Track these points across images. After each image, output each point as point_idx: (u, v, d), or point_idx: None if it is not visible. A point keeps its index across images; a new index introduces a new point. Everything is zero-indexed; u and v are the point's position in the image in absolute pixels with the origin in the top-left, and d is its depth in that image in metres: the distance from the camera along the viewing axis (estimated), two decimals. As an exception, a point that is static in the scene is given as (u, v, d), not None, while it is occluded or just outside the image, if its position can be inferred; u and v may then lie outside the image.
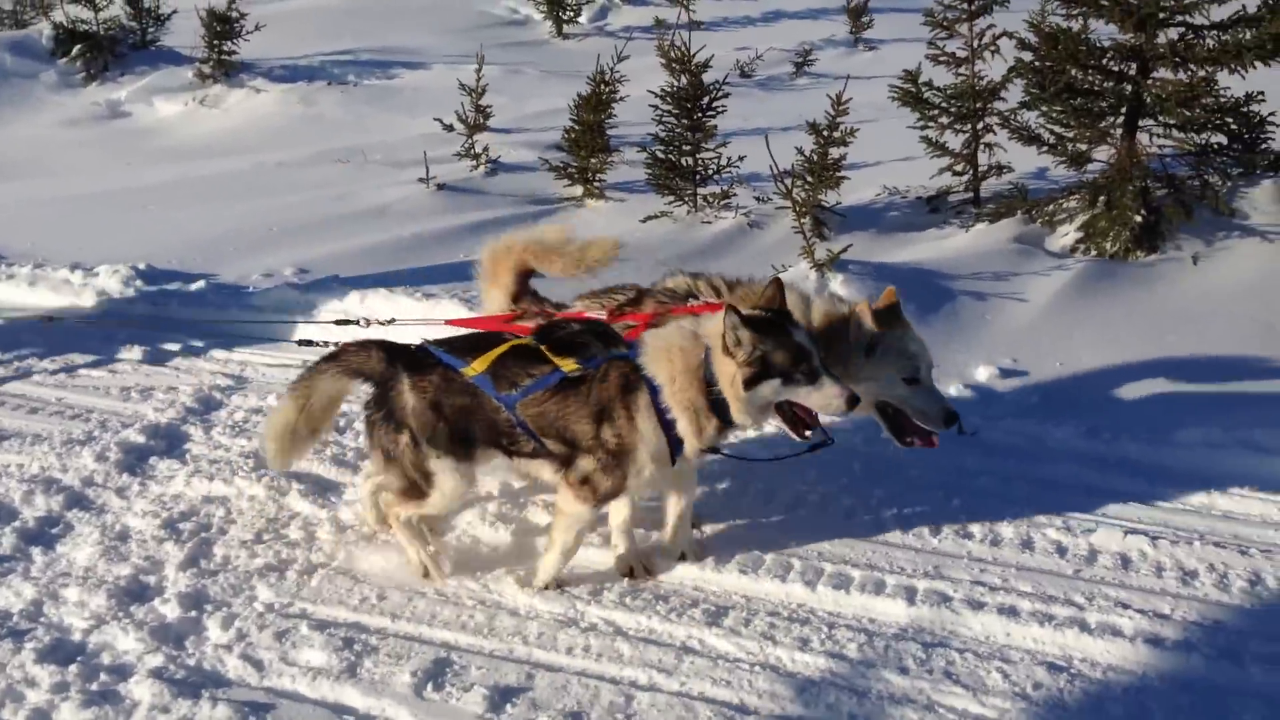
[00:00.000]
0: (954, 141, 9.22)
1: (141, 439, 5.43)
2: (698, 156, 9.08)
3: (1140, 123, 8.55)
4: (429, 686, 3.69)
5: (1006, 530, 4.58)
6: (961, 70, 9.20)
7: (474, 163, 10.45)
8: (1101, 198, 8.25)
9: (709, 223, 8.81)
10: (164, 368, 6.45)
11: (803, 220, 7.52)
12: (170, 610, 4.09)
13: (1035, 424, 5.57)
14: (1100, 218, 8.13)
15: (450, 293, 7.20)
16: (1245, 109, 8.31)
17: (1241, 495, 4.81)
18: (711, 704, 3.59)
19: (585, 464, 3.92)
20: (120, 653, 3.87)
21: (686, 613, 4.06)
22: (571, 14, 17.32)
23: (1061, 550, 4.43)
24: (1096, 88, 8.60)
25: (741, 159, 8.96)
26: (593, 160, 9.62)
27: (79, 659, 3.82)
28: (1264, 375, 6.08)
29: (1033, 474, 5.13)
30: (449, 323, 5.11)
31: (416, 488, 4.07)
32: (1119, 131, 8.60)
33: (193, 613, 4.08)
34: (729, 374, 3.74)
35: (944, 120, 9.20)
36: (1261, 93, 8.31)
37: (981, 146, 9.21)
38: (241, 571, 4.36)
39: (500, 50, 14.71)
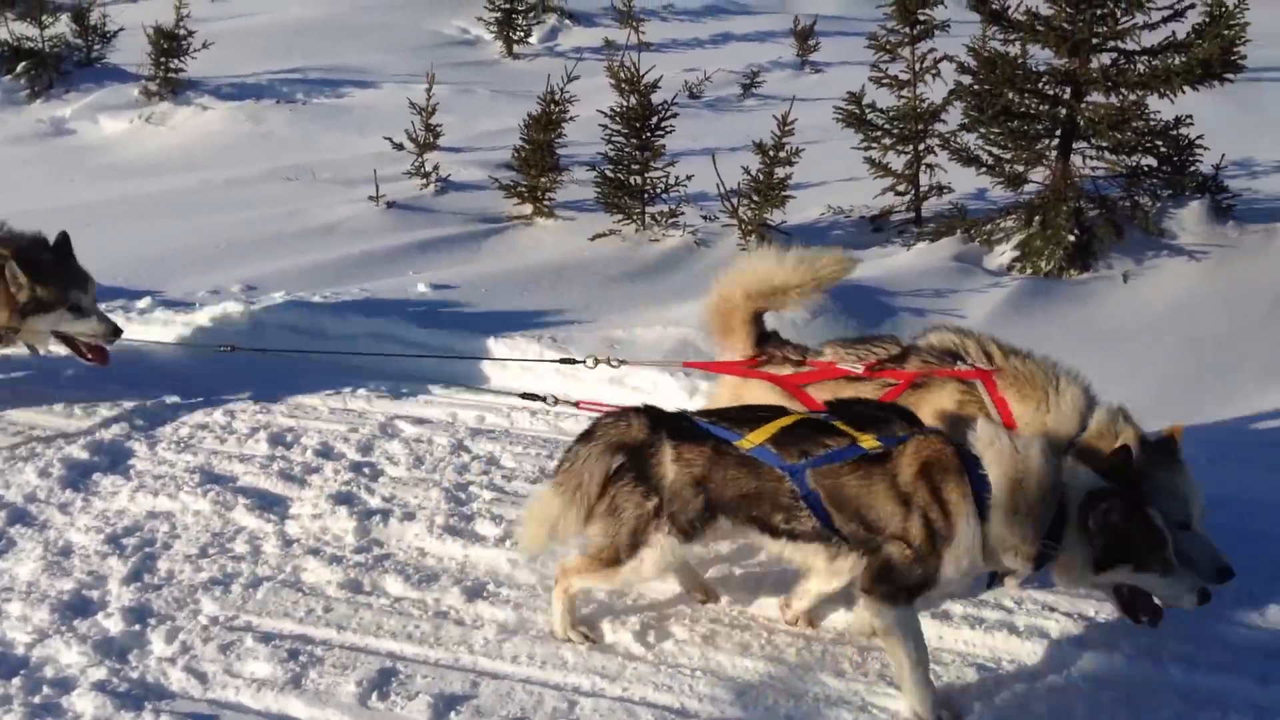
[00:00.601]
0: (896, 162, 9.45)
1: (85, 455, 5.42)
2: (646, 176, 9.21)
3: (1074, 145, 8.82)
4: (374, 696, 3.74)
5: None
6: (904, 93, 9.44)
7: (424, 181, 10.50)
8: (1037, 218, 8.50)
9: (657, 241, 8.93)
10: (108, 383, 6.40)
11: (748, 238, 7.66)
12: (114, 624, 4.10)
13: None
14: (1036, 237, 8.37)
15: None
16: (1174, 132, 8.60)
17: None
18: (653, 708, 3.67)
19: (891, 550, 3.54)
20: (63, 666, 3.88)
21: (629, 620, 4.13)
22: (522, 34, 17.42)
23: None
24: (1033, 111, 8.86)
25: (689, 178, 9.10)
26: (542, 179, 9.71)
27: (22, 672, 3.82)
28: (1190, 391, 6.29)
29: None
30: (686, 365, 5.18)
31: (615, 557, 3.78)
32: (1054, 154, 8.86)
33: (136, 626, 4.09)
34: (1078, 546, 3.50)
35: (887, 141, 9.43)
36: (1190, 116, 8.61)
37: (923, 167, 9.44)
38: (186, 585, 4.38)
39: (451, 70, 14.76)
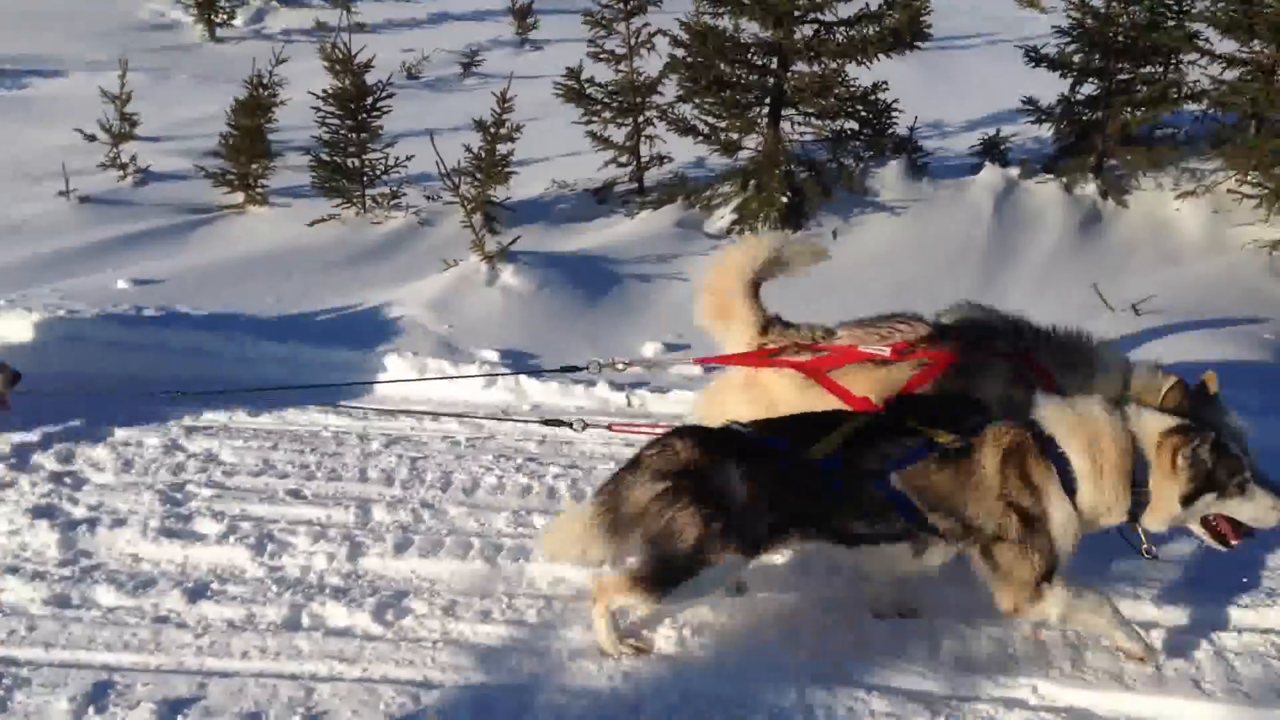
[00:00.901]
0: (617, 135, 9.58)
1: None
2: (364, 158, 8.97)
3: (783, 112, 9.22)
4: (90, 711, 3.47)
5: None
6: (621, 67, 9.57)
7: (121, 173, 9.81)
8: (752, 182, 8.84)
9: (379, 223, 8.71)
10: None
11: (472, 216, 7.58)
12: None
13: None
14: (751, 200, 8.71)
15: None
16: (872, 97, 9.14)
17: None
18: (395, 684, 3.58)
19: (1003, 558, 3.53)
20: None
21: (365, 602, 4.01)
22: (225, 16, 16.53)
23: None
24: (743, 81, 9.19)
25: (410, 159, 8.90)
26: (253, 166, 9.27)
27: None
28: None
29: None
30: (697, 361, 4.76)
31: (671, 578, 3.53)
32: (765, 121, 9.23)
33: None
34: (1165, 485, 3.54)
35: (606, 115, 9.55)
36: (885, 82, 9.16)
37: (643, 139, 9.61)
38: None
39: (146, 55, 13.87)
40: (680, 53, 9.06)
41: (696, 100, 9.23)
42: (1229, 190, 9.50)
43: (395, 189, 8.90)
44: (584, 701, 3.53)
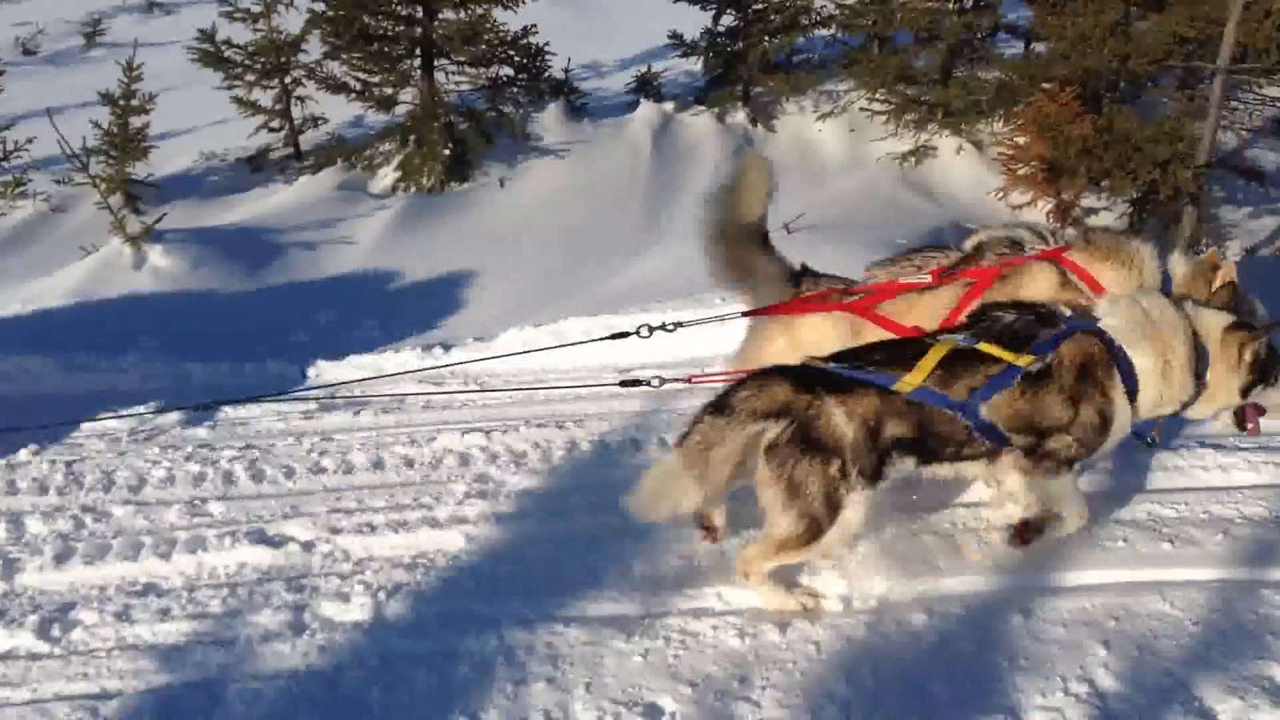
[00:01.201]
0: (265, 99, 9.17)
1: None
2: (-25, 145, 8.13)
3: (436, 63, 9.11)
4: None
5: (358, 458, 4.72)
6: (259, 25, 9.13)
7: None
8: (412, 137, 8.71)
9: (3, 214, 7.95)
10: None
11: (109, 197, 7.06)
12: None
13: (378, 358, 5.77)
14: (413, 156, 8.59)
15: None
16: (524, 41, 9.20)
17: (556, 376, 5.40)
18: (69, 700, 3.34)
19: (1054, 444, 3.61)
20: None
21: (26, 620, 3.71)
22: None
23: (410, 463, 4.67)
24: (390, 33, 9.00)
25: (30, 141, 8.15)
26: None
27: None
28: (569, 271, 6.85)
29: (378, 402, 5.32)
30: (746, 314, 4.28)
31: (814, 528, 3.43)
32: (419, 73, 9.09)
33: None
34: (1227, 378, 3.65)
35: (250, 78, 9.11)
36: (535, 26, 9.24)
37: (294, 100, 9.25)
38: None
39: None
40: (320, 7, 8.75)
41: (344, 56, 8.98)
42: (861, 109, 10.28)
43: (19, 176, 8.13)
44: (279, 683, 3.41)
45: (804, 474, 3.40)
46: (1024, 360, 3.54)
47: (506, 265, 6.83)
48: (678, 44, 10.07)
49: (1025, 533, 3.80)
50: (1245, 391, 3.73)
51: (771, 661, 3.38)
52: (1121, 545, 3.83)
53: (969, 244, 4.37)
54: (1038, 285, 4.19)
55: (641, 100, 9.93)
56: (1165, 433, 4.25)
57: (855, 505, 3.45)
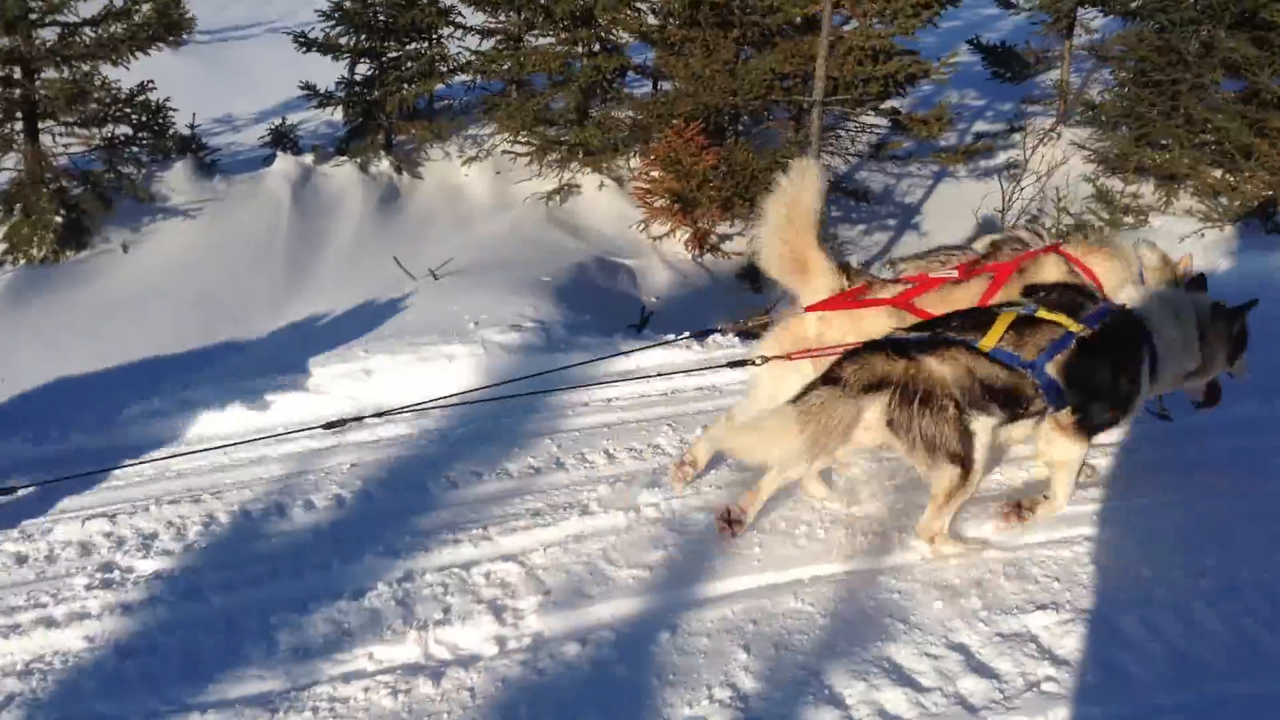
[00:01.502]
0: None
1: None
2: None
3: (41, 125, 8.45)
4: None
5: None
6: None
7: None
8: (18, 205, 8.01)
9: None
10: None
11: None
12: None
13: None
14: (21, 225, 7.91)
15: None
16: (140, 98, 8.68)
17: (189, 451, 5.10)
18: None
19: (1095, 409, 4.01)
20: None
21: None
22: None
23: (23, 560, 4.28)
24: (-14, 96, 8.26)
25: None
26: None
27: None
28: (206, 336, 6.51)
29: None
30: (810, 309, 4.45)
31: (964, 466, 3.81)
32: (22, 136, 8.40)
33: None
34: (1219, 351, 4.25)
35: None
36: (152, 81, 8.75)
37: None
38: None
39: None
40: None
41: (-68, 121, 8.14)
42: (504, 151, 10.46)
43: None
44: None
45: (930, 426, 3.79)
46: (1077, 327, 4.00)
47: (134, 333, 6.42)
48: (311, 94, 9.87)
49: (1020, 511, 4.20)
50: (1230, 361, 4.37)
51: (427, 715, 3.35)
52: (758, 550, 4.08)
53: (980, 245, 4.90)
54: (1050, 275, 4.70)
55: (278, 153, 9.63)
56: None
57: (984, 432, 3.87)
